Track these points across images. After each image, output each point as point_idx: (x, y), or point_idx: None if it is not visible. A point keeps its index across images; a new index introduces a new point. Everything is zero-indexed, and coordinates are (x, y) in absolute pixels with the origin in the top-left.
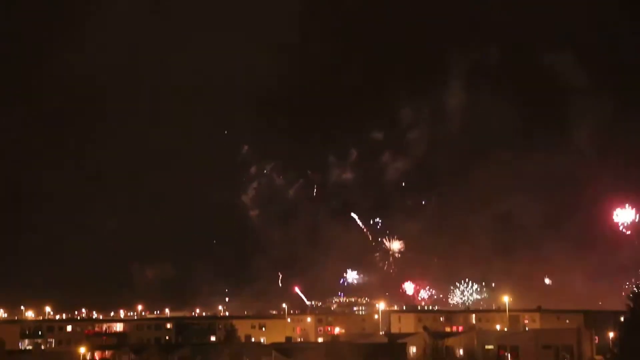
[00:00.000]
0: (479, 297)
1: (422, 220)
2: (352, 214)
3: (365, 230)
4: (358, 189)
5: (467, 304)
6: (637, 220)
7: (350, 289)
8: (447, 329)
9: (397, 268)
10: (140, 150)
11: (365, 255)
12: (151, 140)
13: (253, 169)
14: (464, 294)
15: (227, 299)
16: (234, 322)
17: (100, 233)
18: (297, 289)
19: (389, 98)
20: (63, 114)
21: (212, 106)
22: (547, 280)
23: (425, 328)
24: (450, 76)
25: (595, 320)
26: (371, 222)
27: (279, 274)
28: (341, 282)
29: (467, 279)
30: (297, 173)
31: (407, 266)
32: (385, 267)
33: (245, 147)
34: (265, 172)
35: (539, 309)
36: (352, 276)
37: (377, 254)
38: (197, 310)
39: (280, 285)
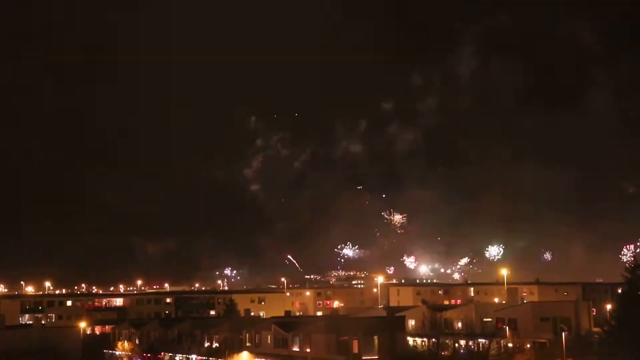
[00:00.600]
0: (479, 270)
1: (428, 192)
2: (358, 187)
3: (367, 203)
4: (365, 161)
5: (465, 277)
6: None
7: (349, 263)
8: (446, 302)
9: (398, 241)
10: (143, 122)
11: (366, 229)
12: (154, 111)
13: (259, 141)
14: (465, 267)
15: (227, 272)
16: (234, 296)
17: (101, 208)
18: (290, 257)
19: (399, 66)
20: (63, 86)
21: (219, 79)
22: (546, 256)
23: (423, 301)
24: (463, 43)
25: (593, 292)
26: (377, 194)
27: (287, 255)
28: (340, 257)
29: (469, 253)
30: (304, 145)
31: (408, 239)
32: (386, 242)
33: (253, 119)
34: (271, 144)
35: (537, 282)
36: (350, 251)
37: (377, 230)
38: (197, 285)
39: (283, 260)
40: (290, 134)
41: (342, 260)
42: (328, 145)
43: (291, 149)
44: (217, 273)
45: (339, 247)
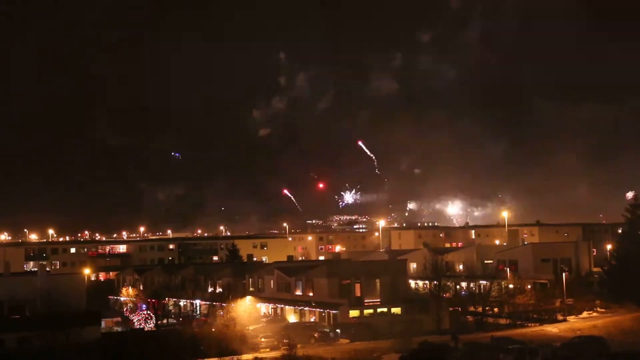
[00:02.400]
0: (483, 212)
1: (445, 134)
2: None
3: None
4: (394, 101)
5: (467, 219)
6: None
7: (352, 208)
8: (447, 245)
9: (404, 185)
10: (153, 59)
11: (376, 174)
12: (167, 48)
13: (283, 80)
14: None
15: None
16: (236, 242)
17: (104, 154)
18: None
19: None
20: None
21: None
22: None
23: (425, 244)
24: None
25: (593, 232)
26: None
27: (295, 202)
28: (340, 202)
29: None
30: (330, 84)
31: (415, 183)
32: (390, 186)
33: (283, 55)
34: (297, 84)
35: (537, 223)
36: (350, 196)
37: (385, 178)
38: (199, 231)
39: (288, 204)
40: (316, 72)
41: (343, 204)
42: (357, 83)
43: (316, 89)
44: (219, 219)
45: (341, 192)
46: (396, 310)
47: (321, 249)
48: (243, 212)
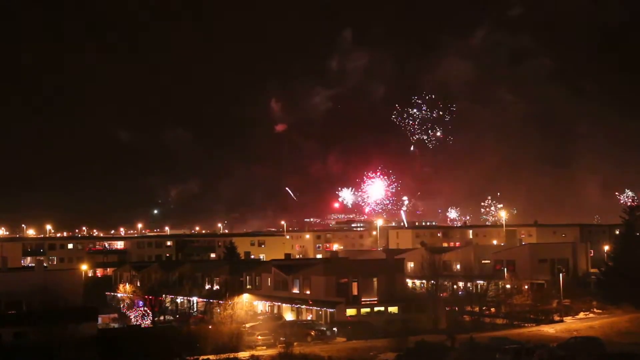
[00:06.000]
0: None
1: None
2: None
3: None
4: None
5: (464, 220)
6: None
7: (353, 207)
8: (445, 245)
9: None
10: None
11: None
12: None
13: (334, 64)
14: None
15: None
16: (234, 239)
17: (101, 149)
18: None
19: None
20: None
21: None
22: None
23: (423, 243)
24: None
25: (591, 233)
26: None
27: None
28: (339, 203)
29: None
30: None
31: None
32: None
33: (349, 33)
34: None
35: (535, 224)
36: (347, 195)
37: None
38: (197, 228)
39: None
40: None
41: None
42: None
43: (374, 74)
44: (217, 216)
45: (338, 190)
46: (393, 309)
47: (319, 247)
48: (250, 209)
